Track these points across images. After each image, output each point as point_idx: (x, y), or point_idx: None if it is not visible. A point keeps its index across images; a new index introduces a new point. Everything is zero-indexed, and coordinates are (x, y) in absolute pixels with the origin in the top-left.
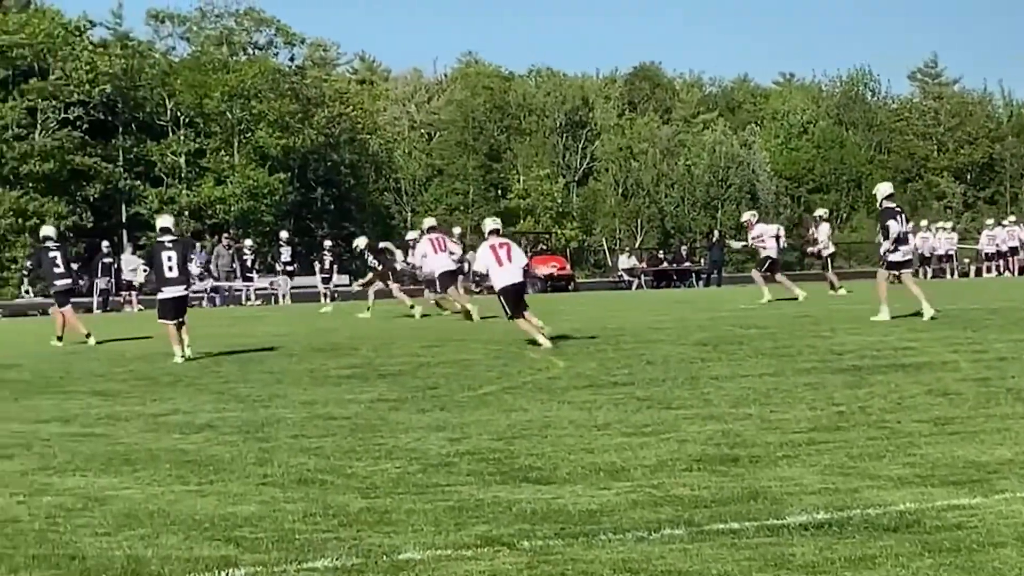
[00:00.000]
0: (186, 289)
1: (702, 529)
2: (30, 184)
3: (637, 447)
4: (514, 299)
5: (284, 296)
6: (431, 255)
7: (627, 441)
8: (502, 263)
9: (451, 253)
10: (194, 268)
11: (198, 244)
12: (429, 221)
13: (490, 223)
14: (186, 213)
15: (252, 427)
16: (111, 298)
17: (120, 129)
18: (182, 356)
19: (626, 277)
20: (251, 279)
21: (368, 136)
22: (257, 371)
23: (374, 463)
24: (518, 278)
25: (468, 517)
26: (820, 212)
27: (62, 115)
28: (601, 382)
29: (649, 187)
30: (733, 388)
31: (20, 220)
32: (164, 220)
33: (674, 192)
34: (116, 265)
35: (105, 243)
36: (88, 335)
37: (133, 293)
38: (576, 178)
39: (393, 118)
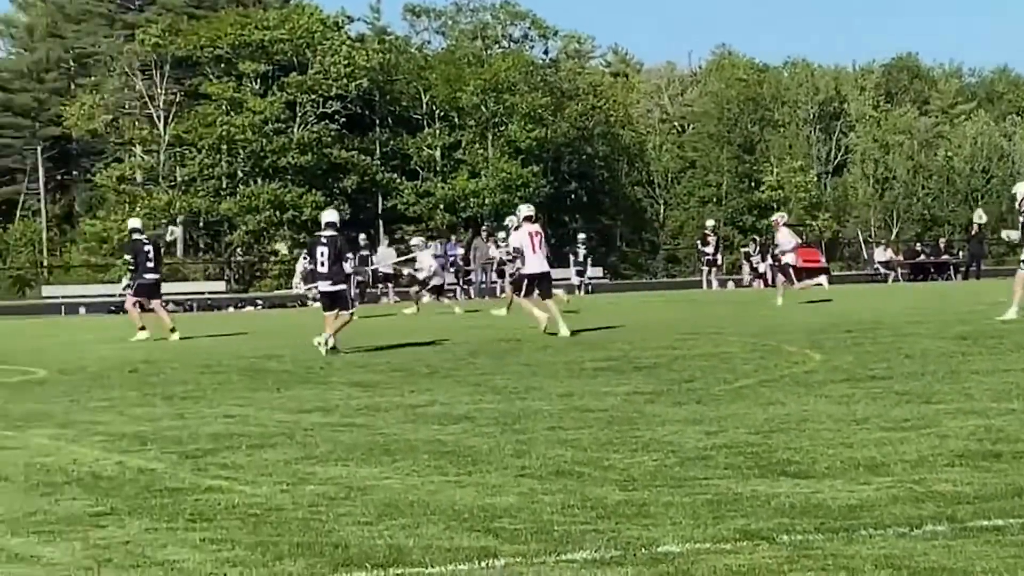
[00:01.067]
0: (333, 284)
1: (965, 526)
2: (288, 177)
3: (897, 442)
4: (540, 284)
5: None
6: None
7: (886, 436)
8: (535, 251)
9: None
10: (348, 267)
11: (362, 238)
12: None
13: (525, 209)
14: (441, 206)
15: (509, 419)
16: (368, 290)
17: (377, 123)
18: (323, 344)
19: (882, 270)
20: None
21: (620, 129)
22: (513, 363)
23: (631, 455)
24: (546, 267)
25: (726, 511)
26: None
27: (320, 109)
28: (858, 376)
29: (906, 179)
30: (995, 383)
31: (279, 212)
32: (329, 215)
33: (932, 184)
34: (373, 258)
35: (362, 236)
36: (173, 329)
37: (390, 286)
38: (829, 169)
39: (646, 111)
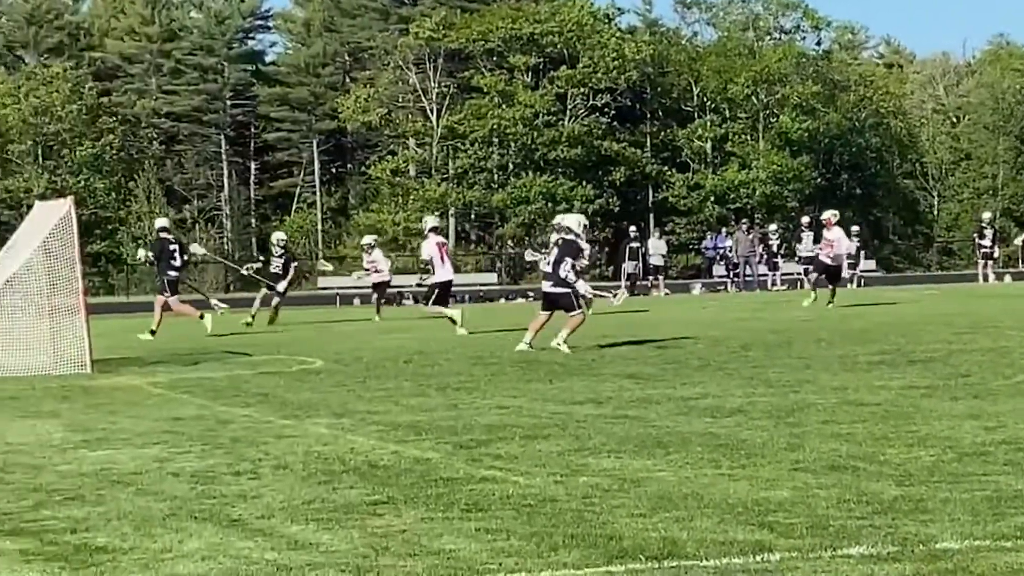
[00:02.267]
0: (554, 286)
1: None
2: (559, 169)
3: None
4: (444, 293)
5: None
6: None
7: None
8: (443, 260)
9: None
10: (562, 272)
11: (632, 231)
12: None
13: (431, 221)
14: (711, 198)
15: (782, 412)
16: (639, 283)
17: (647, 115)
18: (526, 344)
19: None
20: (776, 265)
21: (893, 120)
22: (785, 356)
23: (907, 450)
24: (451, 276)
25: (1007, 507)
26: None
27: (590, 102)
28: None
29: None
30: None
31: (550, 205)
32: (565, 219)
33: None
34: (643, 250)
35: (632, 228)
36: (153, 332)
37: (660, 278)
38: None
39: (919, 102)
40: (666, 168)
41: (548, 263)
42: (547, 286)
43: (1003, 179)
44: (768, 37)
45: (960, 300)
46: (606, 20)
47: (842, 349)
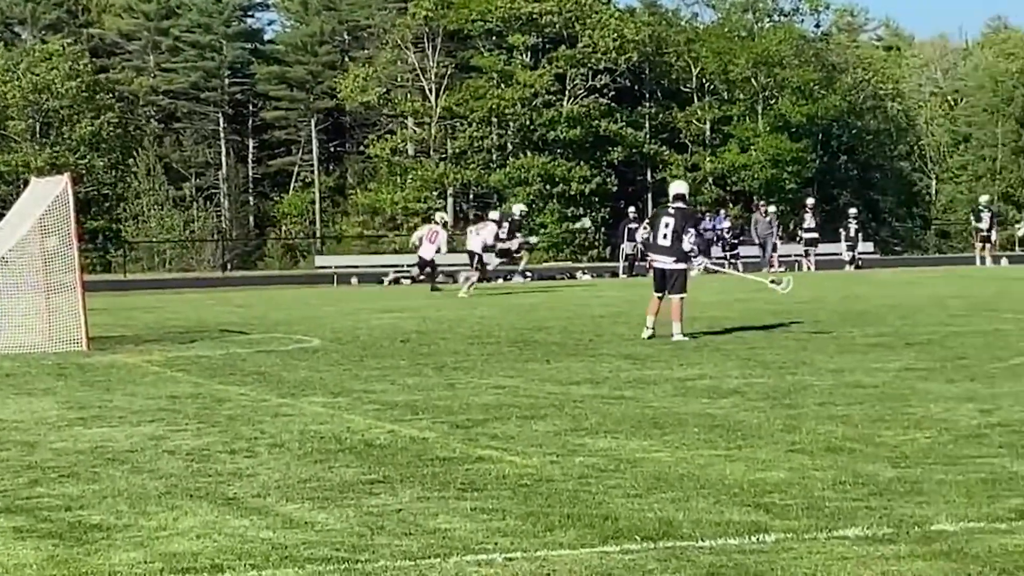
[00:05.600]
0: (676, 262)
1: None
2: (557, 150)
3: None
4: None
5: (810, 264)
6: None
7: None
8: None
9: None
10: (686, 244)
11: (631, 211)
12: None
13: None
14: (710, 180)
15: (779, 393)
16: (636, 263)
17: (646, 96)
18: (649, 329)
19: None
20: (775, 246)
21: (891, 103)
22: (782, 338)
23: (903, 432)
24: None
25: (1002, 490)
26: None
27: (589, 82)
28: None
29: None
30: None
31: (548, 186)
32: (677, 186)
33: None
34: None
35: (631, 208)
36: None
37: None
38: None
39: (917, 85)
40: (664, 149)
41: (664, 236)
42: (665, 262)
43: (1002, 162)
44: (768, 19)
45: (957, 283)
46: (606, 1)
47: (839, 331)
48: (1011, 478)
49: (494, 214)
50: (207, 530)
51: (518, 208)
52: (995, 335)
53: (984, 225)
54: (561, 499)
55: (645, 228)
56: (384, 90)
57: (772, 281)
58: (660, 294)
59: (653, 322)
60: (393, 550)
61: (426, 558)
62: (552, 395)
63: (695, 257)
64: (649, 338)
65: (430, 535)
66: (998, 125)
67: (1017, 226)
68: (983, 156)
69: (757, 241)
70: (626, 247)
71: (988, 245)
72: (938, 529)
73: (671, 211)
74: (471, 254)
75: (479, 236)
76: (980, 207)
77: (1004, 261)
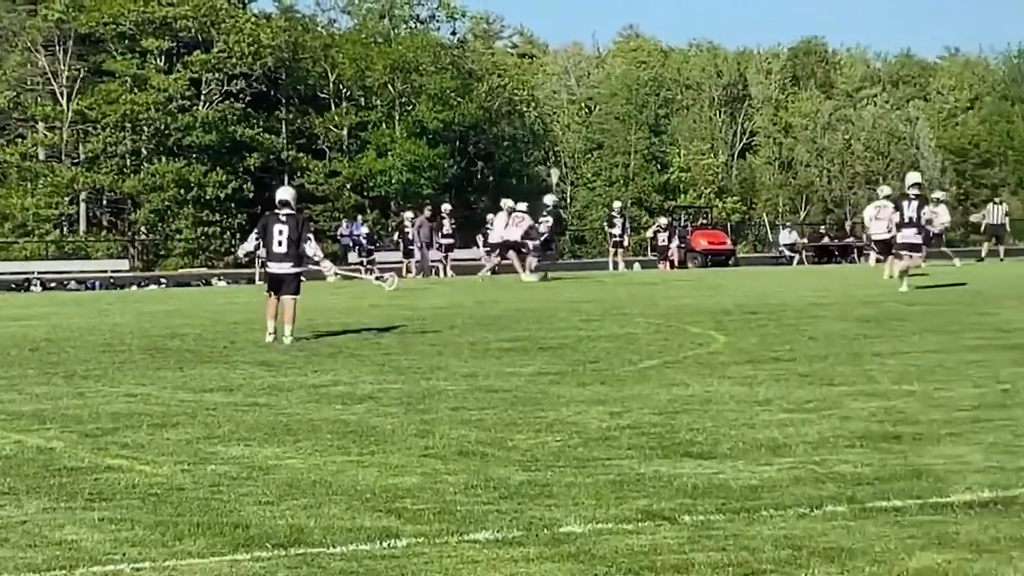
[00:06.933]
0: (293, 267)
1: (865, 506)
2: (193, 155)
3: (799, 423)
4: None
5: (446, 269)
6: None
7: (789, 417)
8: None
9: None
10: (309, 250)
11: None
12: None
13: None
14: (348, 186)
15: (413, 399)
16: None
17: (283, 101)
18: (271, 334)
19: (787, 252)
20: (412, 252)
21: (527, 110)
22: (418, 343)
23: (535, 436)
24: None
25: (629, 491)
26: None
27: (225, 87)
28: (762, 358)
29: (809, 161)
30: (896, 365)
31: (183, 191)
32: (283, 192)
33: (832, 167)
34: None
35: (267, 213)
36: None
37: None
38: (735, 152)
39: (552, 92)
40: (303, 155)
41: (279, 243)
42: (282, 268)
43: (634, 169)
44: (404, 25)
45: (591, 287)
46: (241, 5)
47: (474, 336)
48: (638, 479)
49: (522, 205)
50: None
51: (550, 199)
52: (626, 339)
53: (617, 231)
54: (192, 508)
55: (255, 236)
56: (14, 93)
57: (377, 278)
58: (274, 296)
59: (273, 325)
60: (17, 563)
61: (51, 570)
62: (185, 403)
63: (321, 262)
64: (272, 341)
65: (56, 547)
66: (631, 132)
67: (974, 216)
68: (616, 163)
69: (419, 244)
70: (262, 253)
71: (621, 250)
72: (567, 531)
73: (283, 218)
74: (508, 243)
75: (518, 228)
76: (613, 213)
77: (636, 266)
